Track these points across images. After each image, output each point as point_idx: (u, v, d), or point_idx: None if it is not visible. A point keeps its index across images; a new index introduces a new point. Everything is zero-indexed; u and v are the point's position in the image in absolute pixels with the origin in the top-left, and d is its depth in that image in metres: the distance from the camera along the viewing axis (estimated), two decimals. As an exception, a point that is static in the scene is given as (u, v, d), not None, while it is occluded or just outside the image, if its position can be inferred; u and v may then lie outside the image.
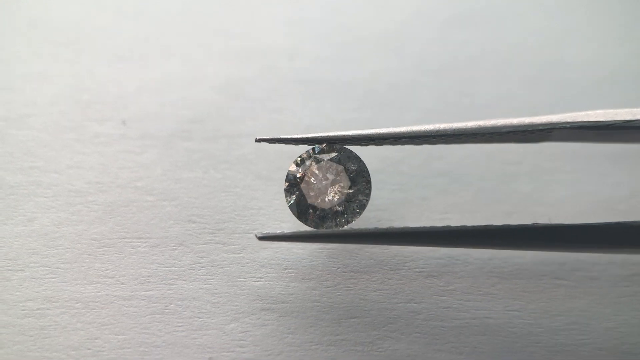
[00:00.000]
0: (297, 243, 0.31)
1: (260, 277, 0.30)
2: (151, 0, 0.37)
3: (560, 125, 0.28)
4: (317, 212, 0.29)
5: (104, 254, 0.31)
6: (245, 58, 0.35)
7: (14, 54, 0.35)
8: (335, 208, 0.29)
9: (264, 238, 0.29)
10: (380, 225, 0.32)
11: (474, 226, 0.27)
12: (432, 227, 0.28)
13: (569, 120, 0.28)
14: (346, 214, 0.29)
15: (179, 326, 0.29)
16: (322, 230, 0.29)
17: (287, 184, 0.29)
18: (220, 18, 0.37)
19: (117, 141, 0.33)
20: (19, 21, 0.36)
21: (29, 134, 0.33)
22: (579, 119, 0.28)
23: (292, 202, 0.29)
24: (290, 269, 0.31)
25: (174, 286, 0.30)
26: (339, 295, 0.30)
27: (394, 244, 0.30)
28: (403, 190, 0.33)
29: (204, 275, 0.30)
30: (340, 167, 0.29)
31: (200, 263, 0.31)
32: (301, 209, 0.29)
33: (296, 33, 0.36)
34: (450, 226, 0.28)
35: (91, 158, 0.33)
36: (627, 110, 0.28)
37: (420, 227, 0.28)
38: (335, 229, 0.29)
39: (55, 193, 0.32)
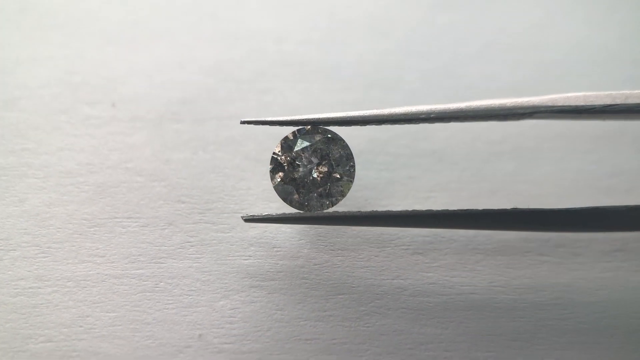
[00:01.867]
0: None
1: (249, 256, 0.31)
2: (140, -15, 0.37)
3: (541, 109, 0.28)
4: (302, 194, 0.29)
5: (94, 234, 0.31)
6: (233, 41, 0.36)
7: (3, 38, 0.35)
8: (319, 190, 0.29)
9: (250, 220, 0.29)
10: (367, 203, 0.32)
11: (456, 210, 0.28)
12: (415, 211, 0.29)
13: (549, 104, 0.28)
14: (331, 196, 0.29)
15: (169, 304, 0.30)
16: (306, 213, 0.29)
17: (271, 165, 0.29)
18: (209, 1, 0.37)
19: (107, 123, 0.33)
20: (9, 5, 0.36)
21: (20, 117, 0.33)
22: (560, 103, 0.28)
23: (277, 184, 0.29)
24: (279, 247, 0.31)
25: (164, 265, 0.31)
26: (326, 272, 0.31)
27: (377, 225, 0.30)
28: (390, 169, 0.33)
29: (193, 254, 0.31)
30: (325, 150, 0.29)
31: (190, 242, 0.31)
32: (286, 191, 0.29)
33: (283, 16, 0.37)
34: (432, 210, 0.29)
35: (82, 140, 0.33)
36: (606, 93, 0.29)
37: (403, 211, 0.29)
38: (319, 211, 0.29)
39: (46, 174, 0.32)
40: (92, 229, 0.31)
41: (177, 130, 0.33)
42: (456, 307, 0.30)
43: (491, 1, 0.37)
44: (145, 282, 0.30)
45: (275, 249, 0.31)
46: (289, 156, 0.29)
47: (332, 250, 0.31)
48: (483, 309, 0.30)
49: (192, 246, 0.31)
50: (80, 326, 0.29)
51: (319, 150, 0.29)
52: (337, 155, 0.29)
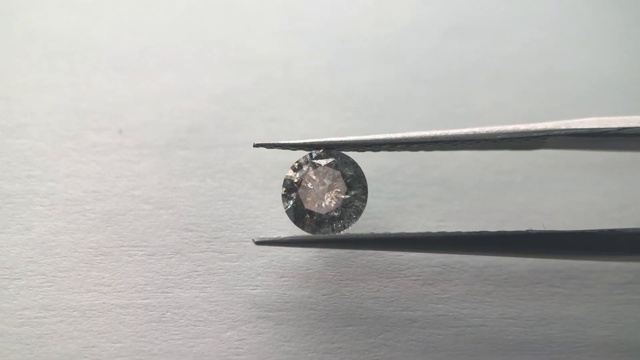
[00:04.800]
0: (294, 250, 0.31)
1: (256, 285, 0.31)
2: (148, 11, 0.37)
3: (555, 133, 0.28)
4: (314, 218, 0.29)
5: (100, 263, 0.31)
6: (242, 68, 0.36)
7: (11, 65, 0.35)
8: (332, 213, 0.29)
9: (261, 243, 0.29)
10: (377, 232, 0.32)
11: (468, 232, 0.28)
12: (427, 233, 0.28)
13: (563, 127, 0.28)
14: (343, 219, 0.29)
15: (176, 334, 0.30)
16: (318, 235, 0.29)
17: (284, 189, 0.29)
18: (217, 29, 0.37)
19: (114, 150, 0.33)
20: (16, 32, 0.36)
21: (26, 143, 0.33)
22: (573, 127, 0.28)
23: (289, 207, 0.29)
24: (287, 277, 0.31)
25: (170, 294, 0.30)
26: (335, 303, 0.30)
27: (389, 249, 0.30)
28: (399, 198, 0.33)
29: (200, 283, 0.30)
30: (337, 173, 0.29)
31: (197, 271, 0.31)
32: (298, 214, 0.29)
33: (292, 44, 0.36)
34: (445, 232, 0.28)
35: (88, 167, 0.33)
36: (620, 118, 0.28)
37: (416, 233, 0.28)
38: (332, 234, 0.29)
39: (52, 202, 0.32)
40: (98, 258, 0.31)
41: (185, 158, 0.33)
42: (466, 340, 0.30)
43: (502, 29, 0.37)
44: (151, 312, 0.30)
45: (283, 279, 0.31)
46: (301, 179, 0.29)
47: (340, 280, 0.31)
48: (494, 342, 0.30)
49: (199, 275, 0.31)
50: (86, 357, 0.29)
51: (331, 173, 0.29)
52: (349, 179, 0.29)
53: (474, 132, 0.28)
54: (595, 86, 0.35)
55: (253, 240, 0.29)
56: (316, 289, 0.31)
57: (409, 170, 0.33)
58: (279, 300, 0.30)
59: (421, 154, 0.33)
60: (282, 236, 0.29)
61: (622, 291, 0.31)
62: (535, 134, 0.28)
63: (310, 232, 0.29)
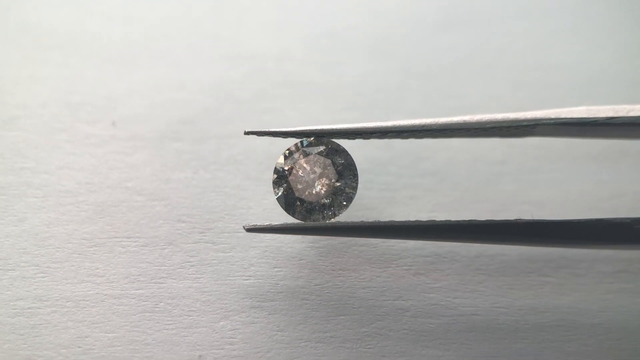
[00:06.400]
0: (287, 241, 0.31)
1: (249, 276, 0.31)
2: (140, 4, 0.37)
3: (544, 122, 0.28)
4: (305, 205, 0.29)
5: (94, 253, 0.31)
6: (234, 61, 0.36)
7: (4, 57, 0.35)
8: (322, 201, 0.29)
9: (252, 230, 0.29)
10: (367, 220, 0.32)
11: (458, 221, 0.28)
12: (417, 222, 0.28)
13: (552, 116, 0.28)
14: (333, 207, 0.29)
15: (169, 324, 0.30)
16: (309, 223, 0.29)
17: (275, 176, 0.29)
18: (209, 22, 0.37)
19: (107, 142, 0.33)
20: (10, 25, 0.36)
21: (19, 135, 0.33)
22: (563, 115, 0.28)
23: (279, 194, 0.29)
24: (280, 267, 0.31)
25: (163, 285, 0.30)
26: (327, 293, 0.30)
27: (379, 237, 0.30)
28: (391, 189, 0.33)
29: (193, 274, 0.31)
30: (328, 161, 0.29)
31: (190, 262, 0.31)
32: (289, 202, 0.29)
33: (284, 36, 0.37)
34: (434, 221, 0.28)
35: (81, 159, 0.33)
36: (609, 107, 0.29)
37: (405, 222, 0.28)
38: (322, 222, 0.29)
39: (46, 193, 0.32)
40: (91, 249, 0.31)
41: (178, 150, 0.33)
42: (458, 329, 0.30)
43: (493, 22, 0.37)
44: (144, 303, 0.30)
45: (276, 269, 0.31)
46: (292, 167, 0.29)
47: (333, 270, 0.31)
48: (485, 331, 0.30)
49: (192, 266, 0.31)
50: (79, 347, 0.29)
51: (321, 161, 0.29)
52: (340, 167, 0.29)
53: (464, 120, 0.29)
54: (586, 78, 0.36)
55: (244, 227, 0.29)
56: (309, 279, 0.31)
57: (402, 162, 0.33)
58: (272, 291, 0.30)
59: (413, 145, 0.34)
60: (274, 224, 0.29)
61: (613, 280, 0.31)
62: (524, 123, 0.28)
63: (301, 220, 0.29)
